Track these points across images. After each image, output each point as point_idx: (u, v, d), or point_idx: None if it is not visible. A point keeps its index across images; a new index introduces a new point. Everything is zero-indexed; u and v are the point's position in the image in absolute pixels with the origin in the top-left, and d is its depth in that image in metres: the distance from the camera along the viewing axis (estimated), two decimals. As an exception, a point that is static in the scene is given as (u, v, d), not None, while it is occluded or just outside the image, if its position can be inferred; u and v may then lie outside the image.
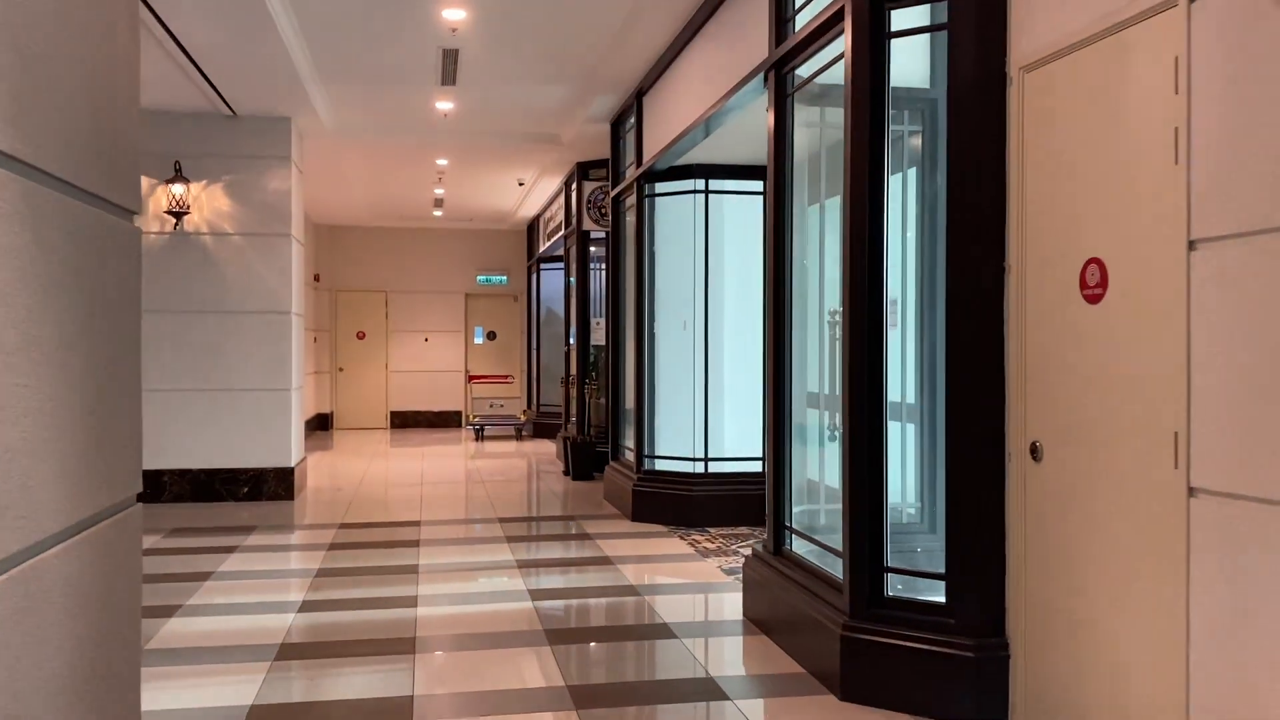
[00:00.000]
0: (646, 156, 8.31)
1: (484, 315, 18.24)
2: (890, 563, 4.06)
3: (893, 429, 4.20)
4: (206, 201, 9.33)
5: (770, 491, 5.27)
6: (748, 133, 7.18)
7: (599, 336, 11.54)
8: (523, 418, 15.67)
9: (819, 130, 5.08)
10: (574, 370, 12.60)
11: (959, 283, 3.80)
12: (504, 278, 18.12)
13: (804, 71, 4.98)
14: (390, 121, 10.08)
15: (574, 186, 12.04)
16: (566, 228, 12.80)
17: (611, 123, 9.46)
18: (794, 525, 5.13)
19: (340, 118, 9.95)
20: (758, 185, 8.11)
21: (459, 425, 17.96)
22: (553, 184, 13.29)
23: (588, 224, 10.51)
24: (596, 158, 11.07)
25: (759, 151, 7.64)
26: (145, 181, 9.24)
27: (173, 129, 9.23)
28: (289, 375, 9.44)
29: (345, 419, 17.74)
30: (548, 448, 14.66)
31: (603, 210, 10.54)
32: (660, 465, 8.39)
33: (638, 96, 8.45)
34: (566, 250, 12.92)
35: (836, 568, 4.36)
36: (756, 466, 8.16)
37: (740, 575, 5.69)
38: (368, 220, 17.12)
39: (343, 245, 17.69)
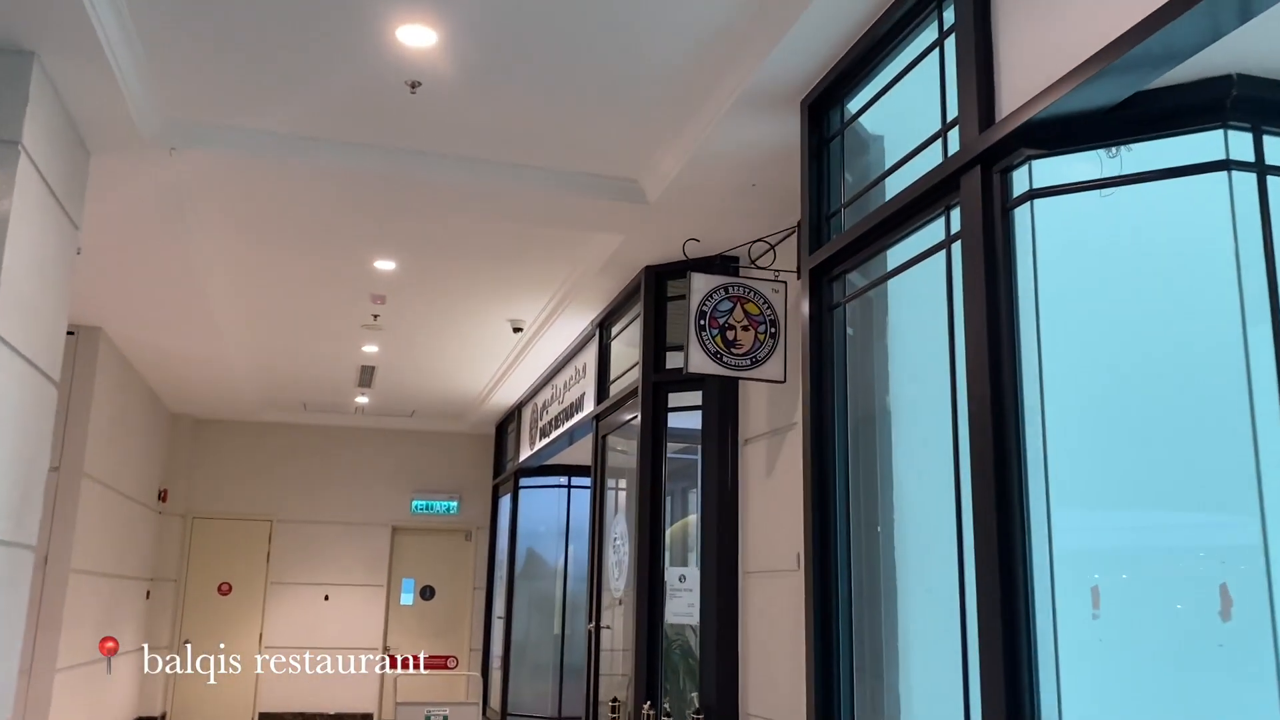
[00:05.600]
0: (1012, 93, 2.84)
1: (418, 561, 12.07)
2: None
3: None
4: None
5: None
6: None
7: (683, 606, 5.66)
8: (479, 736, 9.29)
9: None
10: (604, 664, 6.62)
11: None
12: (453, 503, 12.11)
13: None
14: (285, 104, 4.51)
15: (628, 316, 6.52)
16: (598, 402, 7.15)
17: (809, 102, 4.02)
18: None
19: (170, 94, 4.36)
20: None
21: (368, 737, 11.39)
22: (569, 333, 7.73)
23: (700, 363, 4.92)
24: (673, 259, 5.59)
25: None
26: None
27: None
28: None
29: (184, 726, 11.05)
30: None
31: (731, 334, 4.96)
32: None
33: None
34: (596, 445, 7.19)
35: None
36: None
37: None
38: (251, 410, 11.22)
39: (209, 449, 11.63)
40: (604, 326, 7.19)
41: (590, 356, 7.51)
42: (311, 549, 11.69)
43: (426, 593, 12.07)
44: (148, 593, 10.77)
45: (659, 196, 5.04)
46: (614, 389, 6.96)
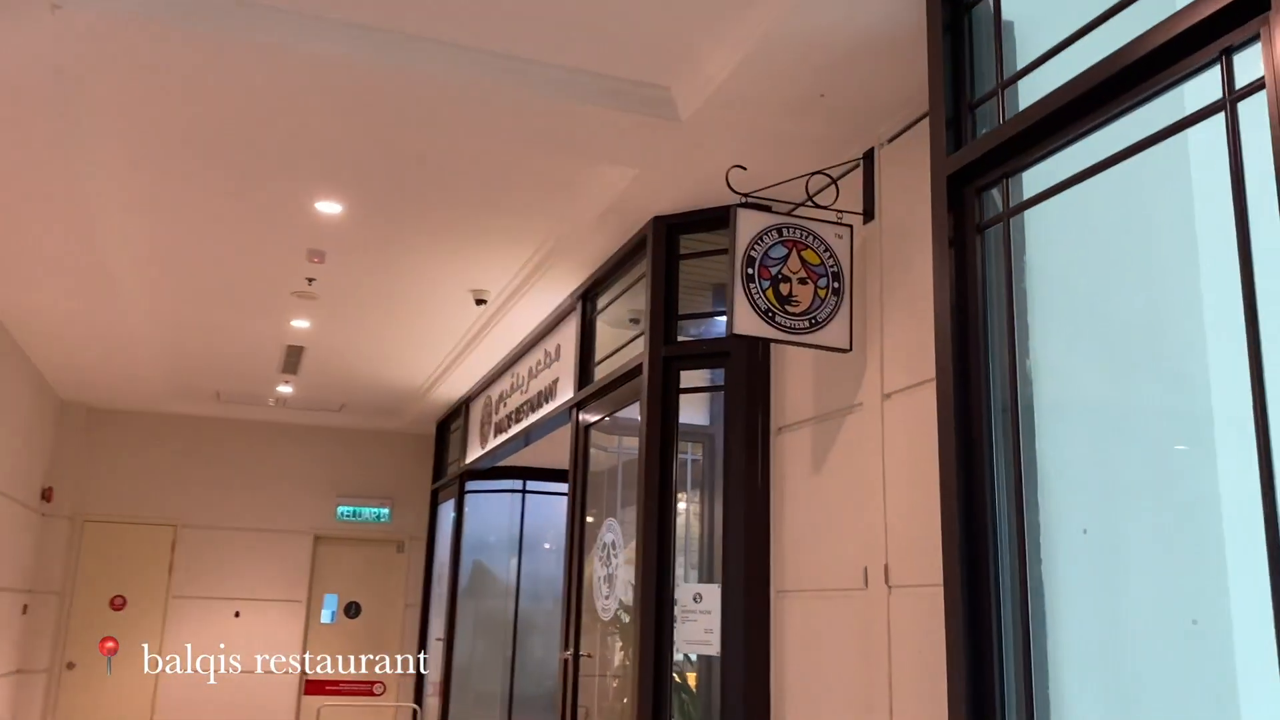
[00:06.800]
0: None
1: (343, 574, 10.74)
2: None
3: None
4: None
5: None
6: None
7: (698, 632, 4.55)
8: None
9: None
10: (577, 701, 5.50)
11: None
12: (384, 510, 10.83)
13: None
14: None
15: (623, 283, 5.44)
16: (579, 388, 6.02)
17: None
18: None
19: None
20: None
21: (280, 774, 10.00)
22: (541, 308, 6.60)
23: (748, 323, 3.84)
24: (690, 206, 4.54)
25: None
26: None
27: None
28: None
29: (64, 761, 9.55)
30: None
31: (786, 288, 3.90)
32: None
33: None
34: (576, 438, 6.06)
35: None
36: None
37: None
38: (156, 400, 9.82)
39: (104, 442, 10.18)
40: (588, 298, 6.07)
41: (567, 336, 6.39)
42: (221, 559, 10.29)
43: (351, 610, 10.74)
44: (25, 607, 9.28)
45: (694, 112, 3.96)
46: (599, 372, 5.86)
